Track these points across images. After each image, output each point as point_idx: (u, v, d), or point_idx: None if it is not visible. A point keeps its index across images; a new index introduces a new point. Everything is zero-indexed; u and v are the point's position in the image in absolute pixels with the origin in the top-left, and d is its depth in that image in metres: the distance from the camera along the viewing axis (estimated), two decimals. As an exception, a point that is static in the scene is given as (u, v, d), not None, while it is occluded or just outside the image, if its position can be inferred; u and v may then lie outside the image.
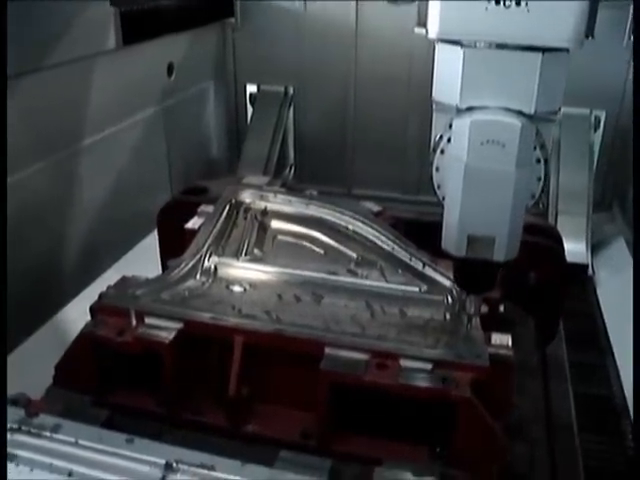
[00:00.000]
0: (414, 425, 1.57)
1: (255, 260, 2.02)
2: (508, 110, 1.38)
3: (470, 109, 1.41)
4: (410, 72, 3.90)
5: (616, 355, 2.52)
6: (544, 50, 1.35)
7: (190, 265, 1.96)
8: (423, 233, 2.13)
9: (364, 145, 4.17)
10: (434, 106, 1.52)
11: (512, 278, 1.97)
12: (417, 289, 1.87)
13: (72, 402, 1.65)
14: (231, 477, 1.14)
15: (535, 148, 1.47)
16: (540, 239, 2.10)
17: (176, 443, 1.32)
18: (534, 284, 2.09)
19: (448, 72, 1.43)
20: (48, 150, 2.63)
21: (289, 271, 1.95)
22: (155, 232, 2.37)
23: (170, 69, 3.53)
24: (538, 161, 1.50)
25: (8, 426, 1.27)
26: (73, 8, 2.58)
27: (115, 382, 1.75)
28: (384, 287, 1.89)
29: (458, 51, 1.38)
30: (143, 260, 2.71)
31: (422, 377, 1.48)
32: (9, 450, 1.21)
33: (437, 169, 1.56)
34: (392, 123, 4.08)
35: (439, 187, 1.57)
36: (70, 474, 1.17)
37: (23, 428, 1.27)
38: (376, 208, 2.12)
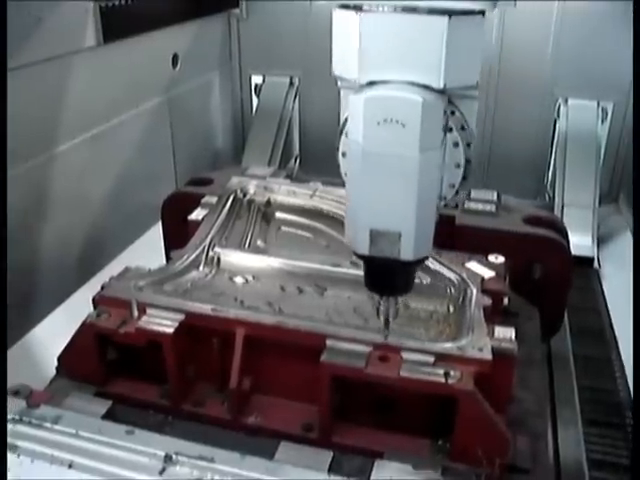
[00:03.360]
0: (416, 418, 1.57)
1: (258, 251, 2.01)
2: (413, 85, 1.20)
3: (372, 84, 1.22)
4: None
5: (621, 349, 2.51)
6: (450, 13, 1.16)
7: (193, 256, 1.95)
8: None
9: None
10: (339, 83, 1.33)
11: (517, 270, 1.96)
12: (421, 281, 1.86)
13: (74, 393, 1.66)
14: (230, 469, 1.14)
15: (451, 129, 1.30)
16: (545, 231, 2.09)
17: (177, 434, 1.33)
18: (539, 277, 2.07)
19: (346, 42, 1.23)
20: (52, 142, 2.63)
21: (292, 262, 1.94)
22: (160, 223, 2.37)
23: (175, 60, 3.51)
24: (456, 145, 1.32)
25: (10, 417, 1.27)
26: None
27: (117, 373, 1.75)
28: (387, 279, 1.88)
29: (354, 17, 1.20)
30: (147, 251, 2.71)
31: (424, 370, 1.47)
32: (10, 441, 1.22)
33: (343, 154, 1.36)
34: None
35: (346, 175, 1.36)
36: (71, 465, 1.18)
37: (24, 419, 1.28)
38: (380, 200, 2.10)
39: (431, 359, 1.49)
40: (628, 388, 2.29)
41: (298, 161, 4.29)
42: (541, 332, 1.99)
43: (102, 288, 1.76)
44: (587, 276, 3.04)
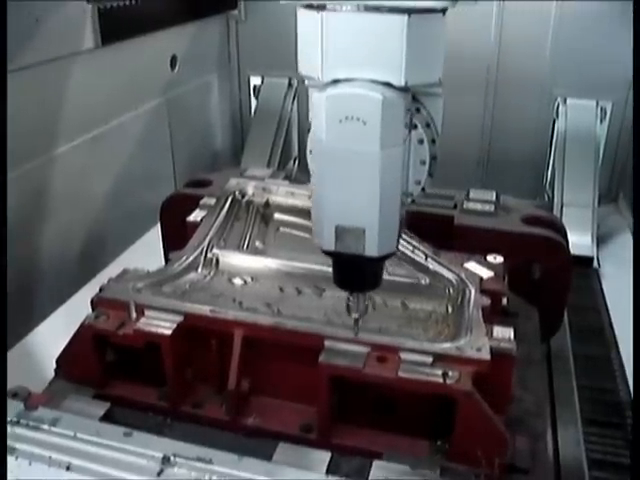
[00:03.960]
0: (414, 419, 1.57)
1: (257, 253, 2.01)
2: (376, 83, 1.21)
3: (336, 82, 1.24)
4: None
5: (621, 348, 2.50)
6: (410, 12, 1.17)
7: (192, 258, 1.95)
8: (427, 225, 2.13)
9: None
10: (306, 82, 1.33)
11: (516, 270, 1.96)
12: (419, 282, 1.86)
13: (73, 395, 1.66)
14: (228, 470, 1.14)
15: (416, 127, 1.31)
16: (544, 231, 2.09)
17: (175, 436, 1.33)
18: (538, 277, 2.07)
19: (310, 41, 1.25)
20: (51, 143, 2.63)
21: (291, 263, 1.94)
22: (158, 225, 2.36)
23: (174, 61, 3.52)
24: (421, 142, 1.33)
25: (8, 419, 1.27)
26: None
27: (116, 375, 1.75)
28: (386, 279, 1.87)
29: (317, 16, 1.21)
30: (146, 253, 2.72)
31: (422, 370, 1.47)
32: (8, 443, 1.21)
33: (311, 152, 1.36)
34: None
35: (313, 172, 1.37)
36: (68, 467, 1.18)
37: (22, 421, 1.28)
38: (379, 200, 2.10)
39: (429, 359, 1.49)
40: (628, 387, 2.28)
41: (297, 162, 4.29)
42: (540, 332, 1.99)
43: (100, 290, 1.76)
44: (587, 276, 3.04)
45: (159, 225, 2.36)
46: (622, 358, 2.45)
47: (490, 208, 2.20)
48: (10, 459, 1.18)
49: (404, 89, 1.22)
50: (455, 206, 2.26)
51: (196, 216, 2.11)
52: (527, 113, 3.82)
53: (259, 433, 1.59)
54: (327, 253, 1.36)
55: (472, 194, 2.30)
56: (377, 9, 1.18)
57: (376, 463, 1.41)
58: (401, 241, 1.93)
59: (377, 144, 1.20)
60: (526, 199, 3.36)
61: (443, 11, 1.21)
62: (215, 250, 1.97)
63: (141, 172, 3.26)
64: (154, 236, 2.50)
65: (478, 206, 2.21)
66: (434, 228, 2.12)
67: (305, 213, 2.08)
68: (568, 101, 3.62)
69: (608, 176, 3.78)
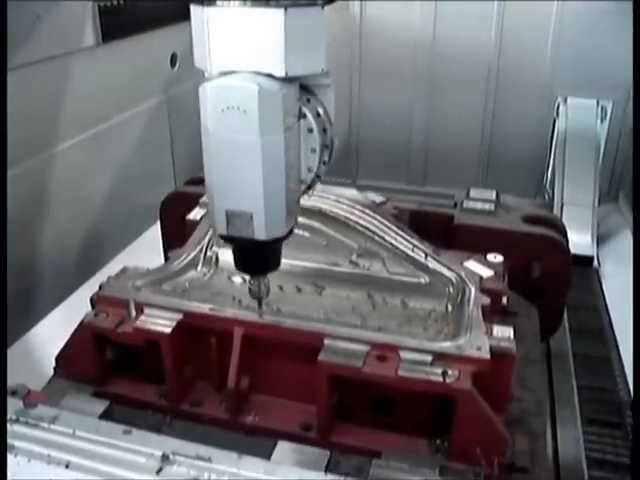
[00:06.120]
0: (414, 417, 1.56)
1: (256, 251, 2.01)
2: (259, 74, 1.28)
3: (224, 74, 1.31)
4: (416, 63, 3.87)
5: (621, 348, 2.50)
6: (287, 5, 1.24)
7: (191, 256, 1.95)
8: (427, 224, 2.13)
9: (369, 136, 4.15)
10: (205, 74, 1.38)
11: (516, 269, 1.96)
12: (419, 280, 1.86)
13: (72, 392, 1.66)
14: (227, 469, 1.14)
15: (305, 116, 1.38)
16: (544, 230, 2.09)
17: (175, 434, 1.32)
18: (538, 276, 2.07)
19: (199, 36, 1.32)
20: (51, 141, 2.63)
21: (290, 262, 1.93)
22: (158, 223, 2.36)
23: (174, 59, 3.51)
24: (310, 131, 1.39)
25: (7, 417, 1.27)
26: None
27: (115, 373, 1.75)
28: (386, 278, 1.88)
29: (203, 12, 1.28)
30: (146, 251, 2.71)
31: (422, 369, 1.47)
32: (8, 441, 1.21)
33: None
34: (397, 113, 4.05)
35: None
36: (68, 465, 1.17)
37: (21, 419, 1.27)
38: (379, 199, 2.10)
39: (429, 358, 1.49)
40: (627, 387, 2.28)
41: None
42: (540, 331, 1.99)
43: (100, 288, 1.76)
44: (586, 275, 3.03)
45: (159, 223, 2.36)
46: (622, 358, 2.45)
47: (490, 207, 2.20)
48: (9, 457, 1.18)
49: (288, 80, 1.29)
50: (455, 205, 2.26)
51: (196, 214, 2.11)
52: (528, 112, 3.82)
53: (258, 431, 1.59)
54: (222, 237, 1.44)
55: (472, 193, 2.30)
56: (257, 4, 1.25)
57: (375, 462, 1.41)
58: (401, 240, 1.93)
59: (257, 132, 1.27)
60: (526, 198, 3.37)
61: (322, 4, 1.28)
62: (215, 248, 1.97)
63: (141, 170, 3.25)
64: (154, 234, 2.50)
65: (478, 205, 2.21)
66: (434, 227, 2.12)
67: (304, 211, 2.08)
68: (568, 100, 3.62)
69: (608, 175, 3.78)
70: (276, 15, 1.23)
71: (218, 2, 1.27)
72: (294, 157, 1.38)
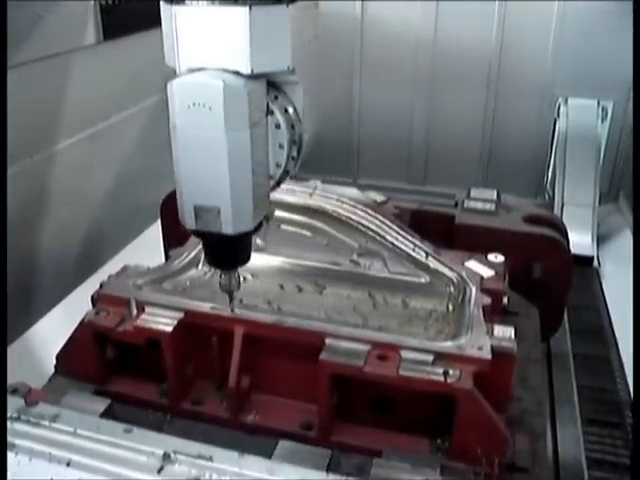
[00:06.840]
0: (415, 417, 1.56)
1: (257, 250, 2.00)
2: (226, 71, 1.29)
3: (193, 72, 1.32)
4: (417, 62, 3.87)
5: (621, 348, 2.50)
6: (252, 4, 1.25)
7: (192, 255, 1.95)
8: (428, 224, 2.13)
9: (370, 135, 4.15)
10: (176, 71, 1.40)
11: (516, 269, 1.96)
12: (420, 280, 1.86)
13: (73, 391, 1.66)
14: (229, 468, 1.14)
15: (272, 112, 1.39)
16: (545, 230, 2.09)
17: (176, 433, 1.32)
18: (538, 276, 2.07)
19: (168, 33, 1.34)
20: (52, 139, 2.62)
21: (291, 261, 1.94)
22: (159, 221, 2.36)
23: (175, 57, 3.51)
24: (278, 127, 1.40)
25: (7, 415, 1.26)
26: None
27: (116, 371, 1.75)
28: (387, 278, 1.88)
29: (171, 10, 1.30)
30: (146, 249, 2.70)
31: (423, 369, 1.47)
32: (8, 439, 1.21)
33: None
34: (398, 113, 4.05)
35: None
36: (69, 464, 1.17)
37: (22, 417, 1.27)
38: (380, 198, 2.10)
39: (430, 358, 1.48)
40: (627, 387, 2.28)
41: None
42: (541, 331, 1.99)
43: (101, 286, 1.75)
44: (587, 275, 3.04)
45: (159, 221, 2.35)
46: (622, 358, 2.45)
47: (491, 207, 2.20)
48: (10, 455, 1.17)
49: (254, 77, 1.30)
50: (456, 205, 2.25)
51: (197, 213, 2.10)
52: (528, 112, 3.82)
53: (259, 430, 1.59)
54: (191, 232, 1.46)
55: (473, 193, 2.30)
56: (224, 2, 1.26)
57: (376, 461, 1.41)
58: (402, 239, 1.93)
59: (222, 129, 1.29)
60: (527, 198, 3.37)
61: (287, 3, 1.29)
62: (216, 247, 1.97)
63: (142, 168, 3.25)
64: (154, 232, 2.49)
65: (479, 205, 2.21)
66: (435, 227, 2.12)
67: (305, 210, 2.08)
68: (569, 101, 3.62)
69: (609, 175, 3.78)
70: (241, 13, 1.25)
71: (187, 1, 1.28)
72: (261, 153, 1.40)
